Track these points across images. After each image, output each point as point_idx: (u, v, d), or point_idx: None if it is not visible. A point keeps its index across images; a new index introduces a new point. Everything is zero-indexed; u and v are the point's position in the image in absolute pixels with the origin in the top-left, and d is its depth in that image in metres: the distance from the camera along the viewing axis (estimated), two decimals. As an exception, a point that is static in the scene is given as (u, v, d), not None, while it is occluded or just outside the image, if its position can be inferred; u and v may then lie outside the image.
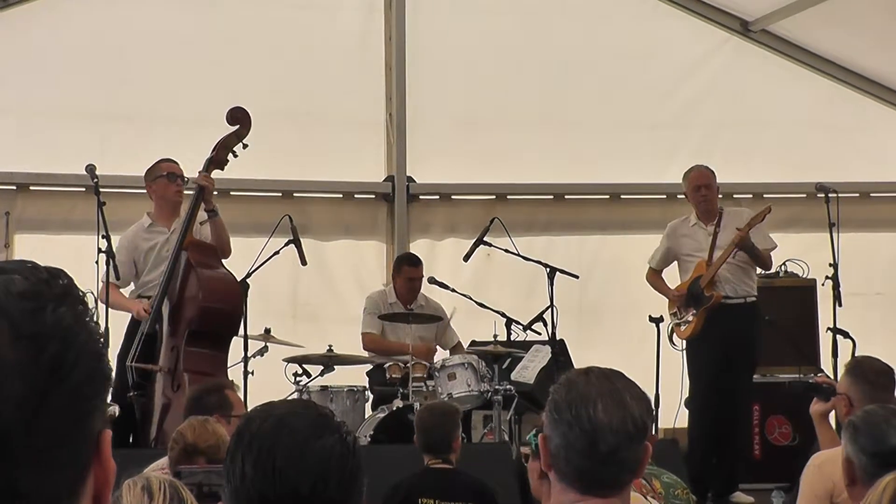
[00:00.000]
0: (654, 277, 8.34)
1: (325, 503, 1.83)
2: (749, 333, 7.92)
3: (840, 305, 7.91)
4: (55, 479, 1.13)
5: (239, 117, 7.44)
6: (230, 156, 7.44)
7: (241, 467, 1.82)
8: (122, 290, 7.49)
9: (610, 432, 2.44)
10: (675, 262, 8.30)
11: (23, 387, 1.10)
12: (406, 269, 8.79)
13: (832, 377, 7.51)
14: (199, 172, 7.41)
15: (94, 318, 1.18)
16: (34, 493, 1.12)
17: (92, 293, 7.03)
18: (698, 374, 7.94)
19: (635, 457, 2.48)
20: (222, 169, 7.50)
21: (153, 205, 7.69)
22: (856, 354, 7.43)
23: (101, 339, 1.18)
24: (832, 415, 4.91)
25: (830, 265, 7.93)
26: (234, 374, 7.42)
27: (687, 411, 8.16)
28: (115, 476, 1.17)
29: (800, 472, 4.57)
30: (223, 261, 7.45)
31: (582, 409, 2.45)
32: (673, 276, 8.36)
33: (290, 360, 7.77)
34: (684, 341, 8.05)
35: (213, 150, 7.43)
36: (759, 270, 8.23)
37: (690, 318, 7.96)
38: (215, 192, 7.52)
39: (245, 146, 7.48)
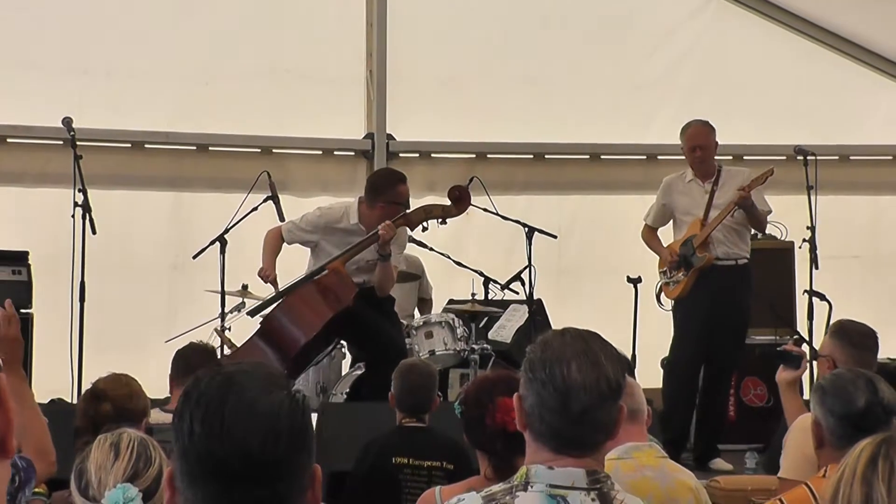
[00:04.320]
0: (650, 235, 8.11)
1: (275, 461, 1.81)
2: (739, 296, 7.75)
3: (817, 268, 7.91)
4: None
5: (459, 197, 7.20)
6: (425, 223, 7.24)
7: (188, 425, 1.80)
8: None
9: (583, 391, 2.44)
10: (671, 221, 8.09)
11: None
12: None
13: (809, 339, 7.54)
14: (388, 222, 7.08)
15: None
16: None
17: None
18: (684, 335, 7.78)
19: (609, 417, 2.48)
20: (412, 229, 7.33)
21: (367, 208, 7.27)
22: (832, 317, 7.46)
23: None
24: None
25: (808, 228, 7.93)
26: (210, 329, 7.43)
27: (663, 371, 8.12)
28: (15, 419, 1.16)
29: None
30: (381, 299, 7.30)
31: (556, 368, 2.46)
32: (667, 236, 8.25)
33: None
34: (672, 301, 7.91)
35: (413, 209, 7.21)
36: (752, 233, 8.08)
37: (680, 278, 7.83)
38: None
39: (443, 223, 7.30)
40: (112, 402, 3.57)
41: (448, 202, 7.23)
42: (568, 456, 2.47)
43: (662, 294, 7.98)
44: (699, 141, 7.88)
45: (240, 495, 1.80)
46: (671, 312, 7.93)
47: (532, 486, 2.45)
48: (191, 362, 5.32)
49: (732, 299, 7.74)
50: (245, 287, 7.76)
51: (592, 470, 2.47)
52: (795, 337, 7.89)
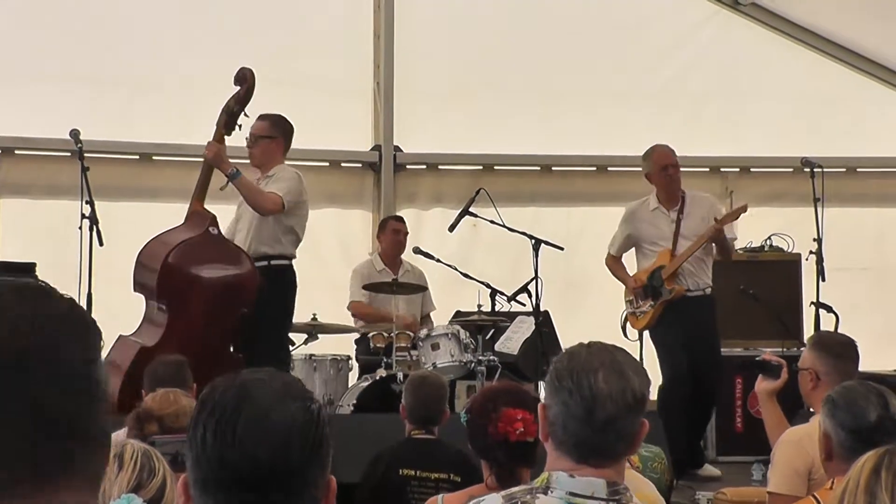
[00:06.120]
0: (614, 263, 8.18)
1: (287, 472, 1.82)
2: (708, 320, 7.84)
3: (823, 280, 7.90)
4: None
5: (240, 77, 7.26)
6: (237, 119, 7.26)
7: (202, 434, 1.82)
8: None
9: (609, 401, 2.47)
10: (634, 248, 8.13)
11: None
12: (391, 223, 8.97)
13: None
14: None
15: None
16: None
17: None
18: (668, 353, 7.79)
19: (632, 428, 2.51)
20: (229, 134, 7.34)
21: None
22: (839, 329, 7.44)
23: None
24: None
25: (815, 240, 7.92)
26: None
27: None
28: None
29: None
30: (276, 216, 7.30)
31: (583, 378, 2.49)
32: (629, 261, 8.25)
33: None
34: (639, 332, 7.92)
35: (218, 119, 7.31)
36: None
37: (647, 309, 7.84)
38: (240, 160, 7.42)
39: (243, 111, 7.32)
40: (158, 422, 3.54)
41: (235, 90, 7.27)
42: (589, 465, 2.50)
43: (628, 325, 8.00)
44: (671, 160, 7.86)
45: None
46: (643, 340, 7.93)
47: (552, 492, 2.49)
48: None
49: (704, 324, 7.82)
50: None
51: (613, 481, 2.50)
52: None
